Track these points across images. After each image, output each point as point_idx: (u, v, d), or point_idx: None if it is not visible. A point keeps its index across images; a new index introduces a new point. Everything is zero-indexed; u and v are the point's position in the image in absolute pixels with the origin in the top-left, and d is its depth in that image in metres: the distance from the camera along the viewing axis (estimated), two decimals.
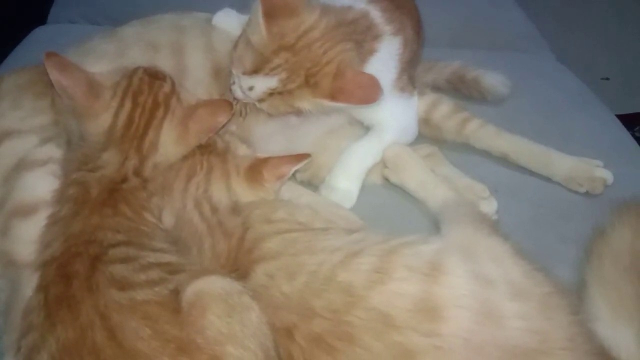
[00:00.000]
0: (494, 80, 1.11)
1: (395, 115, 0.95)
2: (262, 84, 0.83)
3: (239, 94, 0.86)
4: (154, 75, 0.81)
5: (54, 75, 0.77)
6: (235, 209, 0.76)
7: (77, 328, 0.60)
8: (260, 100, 0.85)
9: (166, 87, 0.81)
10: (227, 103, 0.81)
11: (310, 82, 0.82)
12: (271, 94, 0.83)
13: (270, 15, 0.80)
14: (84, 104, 0.77)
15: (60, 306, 0.62)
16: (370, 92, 0.81)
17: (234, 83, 0.87)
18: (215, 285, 0.63)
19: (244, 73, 0.84)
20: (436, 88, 1.11)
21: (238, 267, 0.69)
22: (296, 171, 0.85)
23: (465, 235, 0.73)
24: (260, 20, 0.80)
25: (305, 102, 0.84)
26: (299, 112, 0.86)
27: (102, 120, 0.77)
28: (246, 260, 0.69)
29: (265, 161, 0.79)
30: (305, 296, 0.64)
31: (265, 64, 0.81)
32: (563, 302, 0.65)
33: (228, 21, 0.96)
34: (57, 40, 1.16)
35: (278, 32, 0.80)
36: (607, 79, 2.05)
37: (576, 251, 0.80)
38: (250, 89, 0.84)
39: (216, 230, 0.73)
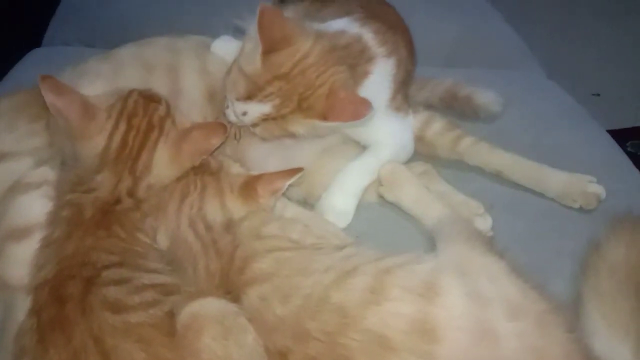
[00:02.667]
0: (486, 98, 1.12)
1: (391, 134, 0.96)
2: (256, 109, 0.83)
3: (232, 118, 0.87)
4: (149, 98, 0.82)
5: (49, 97, 0.77)
6: (229, 226, 0.76)
7: (70, 352, 0.60)
8: (254, 124, 0.86)
9: (161, 110, 0.81)
10: (221, 126, 0.82)
11: (303, 106, 0.82)
12: (265, 119, 0.84)
13: (269, 52, 0.81)
14: (79, 126, 0.77)
15: (53, 329, 0.62)
16: (360, 109, 0.82)
17: (227, 107, 0.87)
18: (210, 307, 0.62)
19: (238, 99, 0.84)
20: (429, 106, 1.11)
21: (230, 288, 0.69)
22: (291, 189, 0.86)
23: (460, 253, 0.73)
24: (258, 57, 0.81)
25: (298, 126, 0.84)
26: (292, 136, 0.87)
27: (96, 142, 0.77)
28: (238, 281, 0.69)
29: (258, 177, 0.79)
30: (300, 319, 0.64)
31: (259, 92, 0.82)
32: (559, 319, 0.65)
33: (226, 49, 0.97)
34: (53, 62, 1.16)
35: (273, 64, 0.82)
36: (598, 94, 2.07)
37: (572, 266, 0.80)
38: (244, 114, 0.85)
39: (210, 249, 0.73)
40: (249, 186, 0.78)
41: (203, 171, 0.80)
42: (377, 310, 0.63)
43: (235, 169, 0.83)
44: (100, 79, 0.92)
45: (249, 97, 0.83)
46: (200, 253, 0.73)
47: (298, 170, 0.82)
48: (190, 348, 0.60)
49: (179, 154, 0.79)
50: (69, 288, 0.64)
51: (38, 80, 0.77)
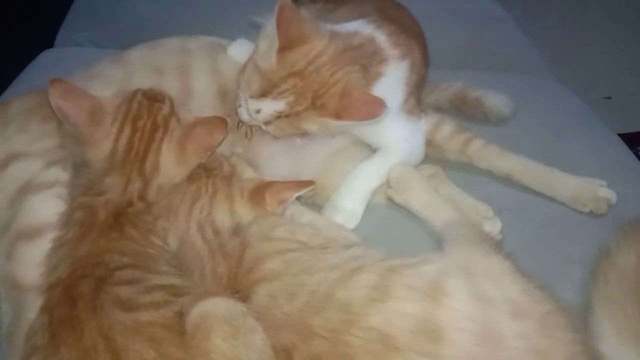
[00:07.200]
0: (496, 101, 1.12)
1: (403, 138, 0.96)
2: (270, 107, 0.84)
3: (245, 116, 0.87)
4: (153, 97, 0.82)
5: (55, 102, 0.77)
6: (237, 231, 0.76)
7: (80, 350, 0.60)
8: (267, 122, 0.86)
9: (165, 109, 0.81)
10: (221, 120, 0.82)
11: (317, 104, 0.83)
12: (278, 116, 0.84)
13: (285, 48, 0.81)
14: (86, 132, 0.78)
15: (65, 327, 0.62)
16: (374, 109, 0.82)
17: (240, 106, 0.88)
18: (219, 307, 0.63)
19: (252, 96, 0.85)
20: (438, 109, 1.11)
21: (239, 288, 0.69)
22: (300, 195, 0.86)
23: (465, 255, 0.73)
24: (274, 53, 0.81)
25: (312, 123, 0.84)
26: (304, 134, 0.87)
27: (103, 147, 0.78)
28: (246, 281, 0.69)
29: (269, 185, 0.79)
30: (305, 315, 0.64)
31: (274, 89, 0.82)
32: (563, 320, 0.65)
33: (242, 52, 0.96)
34: (64, 63, 1.17)
35: (288, 61, 0.82)
36: (609, 98, 2.06)
37: (581, 271, 0.80)
38: (258, 111, 0.85)
39: (217, 254, 0.73)
40: (258, 193, 0.79)
41: (215, 175, 0.80)
42: (381, 307, 0.63)
43: (249, 173, 0.83)
44: (112, 81, 0.93)
45: (263, 94, 0.83)
46: (207, 257, 0.73)
47: (309, 183, 0.82)
48: (199, 348, 0.60)
49: (184, 153, 0.79)
50: (81, 287, 0.65)
51: (48, 84, 0.77)
